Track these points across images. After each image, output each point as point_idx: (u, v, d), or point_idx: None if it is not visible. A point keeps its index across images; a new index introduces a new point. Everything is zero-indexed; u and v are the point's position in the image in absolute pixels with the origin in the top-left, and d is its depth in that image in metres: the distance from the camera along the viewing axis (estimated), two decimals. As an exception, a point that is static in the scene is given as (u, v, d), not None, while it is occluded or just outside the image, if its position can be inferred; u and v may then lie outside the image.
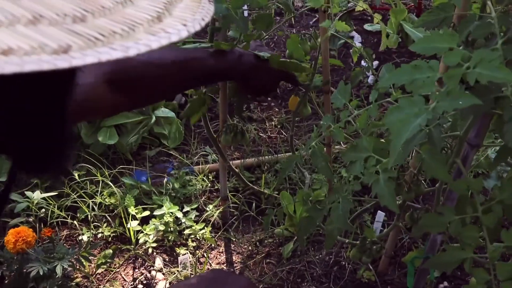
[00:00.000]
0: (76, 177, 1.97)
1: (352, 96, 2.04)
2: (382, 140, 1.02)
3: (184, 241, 1.84)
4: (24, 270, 1.45)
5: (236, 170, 1.81)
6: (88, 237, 1.82)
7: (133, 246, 1.81)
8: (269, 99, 2.62)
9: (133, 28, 0.37)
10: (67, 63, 0.32)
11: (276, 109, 2.53)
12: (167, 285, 1.70)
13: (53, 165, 0.54)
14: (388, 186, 0.87)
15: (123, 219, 1.84)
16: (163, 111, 2.34)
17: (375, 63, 2.67)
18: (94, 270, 1.74)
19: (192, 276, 1.68)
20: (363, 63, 2.24)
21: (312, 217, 1.05)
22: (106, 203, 1.92)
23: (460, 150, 1.01)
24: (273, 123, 2.43)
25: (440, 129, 0.89)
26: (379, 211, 1.78)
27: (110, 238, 1.84)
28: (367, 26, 3.05)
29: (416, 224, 1.25)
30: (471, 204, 0.95)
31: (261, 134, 2.34)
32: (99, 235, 1.84)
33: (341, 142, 2.23)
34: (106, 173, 1.99)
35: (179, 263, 1.75)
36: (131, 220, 1.82)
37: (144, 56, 1.05)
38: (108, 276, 1.74)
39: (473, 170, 1.53)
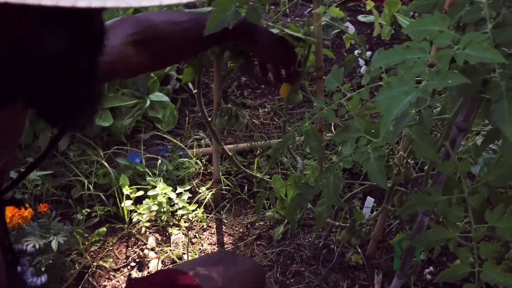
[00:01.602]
0: (72, 156, 1.99)
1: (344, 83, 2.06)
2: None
3: (176, 222, 1.86)
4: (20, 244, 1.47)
5: (230, 153, 1.83)
6: (82, 215, 1.83)
7: (126, 225, 1.83)
8: (262, 86, 2.63)
9: None
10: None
11: (270, 97, 2.55)
12: (159, 263, 1.72)
13: (84, 117, 0.60)
14: (378, 164, 0.89)
15: (117, 199, 1.86)
16: (158, 96, 2.35)
17: (368, 53, 2.70)
18: (88, 248, 1.76)
19: (201, 256, 1.71)
20: (356, 53, 2.26)
21: (303, 194, 1.08)
22: (100, 183, 1.94)
23: (449, 134, 1.03)
24: (266, 110, 2.45)
25: (430, 111, 0.91)
26: (368, 197, 1.81)
27: (104, 217, 1.86)
28: (361, 17, 3.07)
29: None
30: (458, 186, 0.98)
31: (254, 120, 2.36)
32: (93, 214, 1.86)
33: (333, 129, 2.25)
34: (101, 153, 2.00)
35: (171, 242, 1.77)
36: (125, 200, 1.83)
37: (162, 17, 1.11)
38: (102, 253, 1.76)
39: (461, 156, 1.56)
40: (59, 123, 0.63)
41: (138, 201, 1.85)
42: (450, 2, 1.08)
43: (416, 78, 0.77)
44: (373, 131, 1.00)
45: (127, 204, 1.82)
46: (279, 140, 2.17)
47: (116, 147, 2.11)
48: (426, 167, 1.17)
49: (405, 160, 1.20)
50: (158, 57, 1.10)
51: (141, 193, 1.86)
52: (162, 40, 1.09)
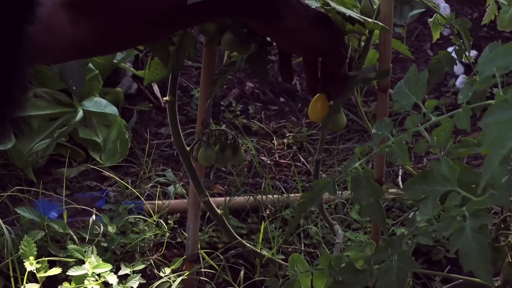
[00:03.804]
0: None
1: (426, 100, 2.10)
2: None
3: (115, 327, 1.87)
4: None
5: (219, 211, 1.83)
6: None
7: (26, 329, 1.83)
8: (281, 99, 2.65)
9: None
10: None
11: (293, 119, 2.56)
12: None
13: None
14: (478, 240, 0.90)
15: (12, 279, 1.87)
16: (98, 103, 2.36)
17: (473, 52, 2.72)
18: None
19: None
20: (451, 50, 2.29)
21: (346, 284, 1.09)
22: (-16, 250, 1.95)
23: None
24: (285, 140, 2.45)
25: None
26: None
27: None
28: (462, -9, 3.12)
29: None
30: None
31: (263, 157, 2.37)
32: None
33: (400, 183, 2.26)
34: (-9, 199, 2.02)
35: None
36: (26, 282, 1.84)
37: None
38: None
39: None
40: None
41: (49, 285, 1.86)
42: None
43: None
44: (473, 185, 1.01)
45: (29, 289, 1.83)
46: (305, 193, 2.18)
47: (17, 187, 2.12)
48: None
49: (526, 240, 1.21)
50: (108, 32, 1.12)
51: (56, 271, 1.86)
52: (116, 4, 1.11)
